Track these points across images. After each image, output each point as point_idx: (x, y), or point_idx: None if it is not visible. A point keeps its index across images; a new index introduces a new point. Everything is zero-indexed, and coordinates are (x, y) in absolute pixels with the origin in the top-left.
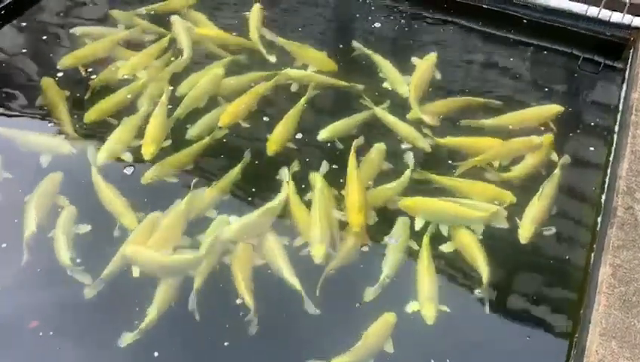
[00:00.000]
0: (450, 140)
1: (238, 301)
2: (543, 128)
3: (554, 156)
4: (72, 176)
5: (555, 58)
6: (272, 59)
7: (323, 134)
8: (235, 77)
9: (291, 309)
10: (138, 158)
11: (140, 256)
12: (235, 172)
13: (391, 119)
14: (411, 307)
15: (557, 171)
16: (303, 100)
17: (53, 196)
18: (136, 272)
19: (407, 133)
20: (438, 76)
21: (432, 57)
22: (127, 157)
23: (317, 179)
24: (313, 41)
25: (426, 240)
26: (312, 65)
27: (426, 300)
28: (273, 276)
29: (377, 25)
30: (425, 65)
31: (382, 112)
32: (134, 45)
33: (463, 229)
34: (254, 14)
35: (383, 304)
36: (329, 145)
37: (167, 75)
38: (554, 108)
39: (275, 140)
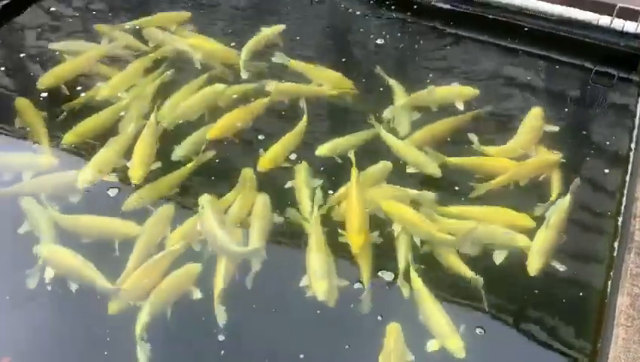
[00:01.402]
0: (463, 160)
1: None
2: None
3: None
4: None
5: (567, 70)
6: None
7: (322, 150)
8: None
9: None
10: (123, 180)
11: None
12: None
13: (395, 141)
14: (432, 346)
15: (567, 197)
16: (304, 120)
17: None
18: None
19: (414, 156)
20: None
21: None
22: (112, 178)
23: (314, 211)
24: (314, 58)
25: (413, 272)
26: (327, 86)
27: (447, 335)
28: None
29: (380, 41)
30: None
31: (385, 133)
32: (118, 61)
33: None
34: (268, 32)
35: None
36: (322, 168)
37: (151, 94)
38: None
39: (269, 158)
